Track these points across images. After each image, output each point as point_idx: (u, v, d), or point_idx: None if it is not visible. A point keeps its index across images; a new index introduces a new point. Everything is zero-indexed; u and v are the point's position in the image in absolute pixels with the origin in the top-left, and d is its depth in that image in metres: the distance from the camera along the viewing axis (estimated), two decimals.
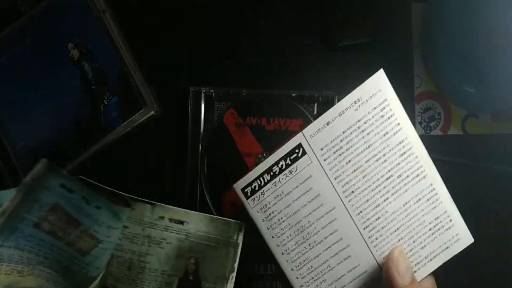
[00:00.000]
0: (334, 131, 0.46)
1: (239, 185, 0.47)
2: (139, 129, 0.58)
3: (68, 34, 0.57)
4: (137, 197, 0.52)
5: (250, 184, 0.47)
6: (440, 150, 0.59)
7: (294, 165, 0.46)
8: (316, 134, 0.47)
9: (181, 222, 0.52)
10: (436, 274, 0.58)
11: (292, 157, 0.46)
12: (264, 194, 0.46)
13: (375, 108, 0.46)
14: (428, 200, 0.47)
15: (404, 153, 0.46)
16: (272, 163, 0.46)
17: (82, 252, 0.51)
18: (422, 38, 0.60)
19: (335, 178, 0.47)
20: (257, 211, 0.47)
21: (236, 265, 0.51)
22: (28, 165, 0.57)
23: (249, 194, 0.47)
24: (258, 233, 0.47)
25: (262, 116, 0.58)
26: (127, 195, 0.52)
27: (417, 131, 0.58)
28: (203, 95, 0.58)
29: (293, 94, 0.58)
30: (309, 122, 0.58)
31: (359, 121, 0.46)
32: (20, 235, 0.47)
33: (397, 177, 0.46)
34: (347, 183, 0.46)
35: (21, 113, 0.57)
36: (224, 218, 0.52)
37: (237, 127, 0.58)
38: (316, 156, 0.46)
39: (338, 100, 0.59)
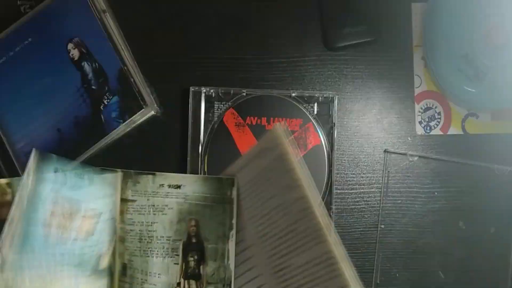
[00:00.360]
0: (241, 181, 0.47)
1: None
2: (139, 129, 0.58)
3: (68, 34, 0.57)
4: (138, 170, 0.55)
5: None
6: (440, 149, 0.59)
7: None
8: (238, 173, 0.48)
9: (179, 187, 0.54)
10: (436, 273, 0.58)
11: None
12: None
13: (275, 160, 0.46)
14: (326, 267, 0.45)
15: (303, 210, 0.46)
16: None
17: (89, 234, 0.53)
18: (422, 38, 0.60)
19: (250, 219, 0.47)
20: None
21: (234, 222, 0.52)
22: None
23: None
24: None
25: (262, 116, 0.58)
26: (130, 170, 0.55)
27: (417, 131, 0.59)
28: (203, 95, 0.58)
29: (293, 94, 0.58)
30: (309, 122, 0.58)
31: (259, 174, 0.46)
32: (33, 239, 0.48)
33: (294, 236, 0.46)
34: (260, 224, 0.47)
35: (21, 113, 0.57)
36: (216, 175, 0.54)
37: (237, 127, 0.58)
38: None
39: (338, 100, 0.59)
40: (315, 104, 0.59)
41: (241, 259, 0.50)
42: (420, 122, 0.60)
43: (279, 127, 0.47)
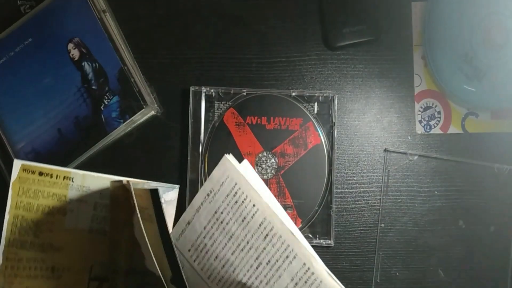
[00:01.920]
0: (196, 230, 0.45)
1: None
2: (139, 129, 0.59)
3: (68, 34, 0.57)
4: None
5: None
6: (440, 148, 0.59)
7: None
8: (181, 237, 0.45)
9: None
10: (436, 272, 0.58)
11: None
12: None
13: (227, 196, 0.45)
14: (306, 282, 0.44)
15: (267, 235, 0.44)
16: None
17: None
18: (422, 38, 0.60)
19: (208, 277, 0.45)
20: None
21: None
22: None
23: None
24: None
25: (262, 115, 0.58)
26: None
27: (417, 130, 0.59)
28: (203, 95, 0.58)
29: (293, 94, 0.58)
30: (309, 121, 0.58)
31: (215, 212, 0.45)
32: None
33: (267, 264, 0.44)
34: (219, 280, 0.45)
35: (21, 113, 0.57)
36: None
37: (238, 127, 0.58)
38: (186, 259, 0.45)
39: (338, 100, 0.59)
40: (315, 104, 0.59)
41: None
42: (420, 121, 0.60)
43: (227, 159, 0.46)
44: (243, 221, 0.46)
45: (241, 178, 0.46)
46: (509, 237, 0.57)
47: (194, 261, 0.46)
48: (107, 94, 0.57)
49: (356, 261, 0.58)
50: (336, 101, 0.58)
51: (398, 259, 0.58)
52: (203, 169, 0.58)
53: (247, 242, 0.45)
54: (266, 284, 0.45)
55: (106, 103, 0.57)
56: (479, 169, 0.58)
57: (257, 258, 0.45)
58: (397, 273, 0.58)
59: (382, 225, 0.58)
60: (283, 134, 0.58)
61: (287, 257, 0.45)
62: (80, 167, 0.57)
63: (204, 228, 0.46)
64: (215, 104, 0.59)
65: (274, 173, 0.58)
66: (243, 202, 0.45)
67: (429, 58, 0.59)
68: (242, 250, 0.46)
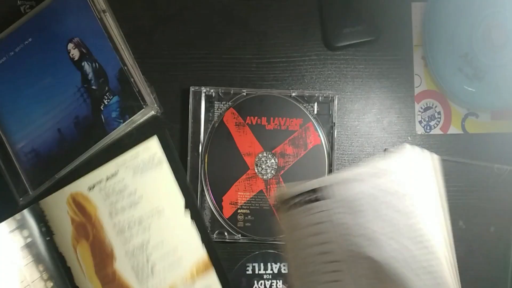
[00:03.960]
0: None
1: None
2: (139, 129, 0.58)
3: (68, 34, 0.57)
4: None
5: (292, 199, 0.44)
6: (440, 149, 0.59)
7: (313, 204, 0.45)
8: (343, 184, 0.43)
9: None
10: None
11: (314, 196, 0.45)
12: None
13: (393, 181, 0.42)
14: None
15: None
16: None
17: None
18: (422, 38, 0.60)
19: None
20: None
21: None
22: (28, 165, 0.57)
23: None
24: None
25: (262, 115, 0.58)
26: None
27: (417, 131, 0.59)
28: (203, 95, 0.58)
29: (293, 94, 0.58)
30: (309, 121, 0.58)
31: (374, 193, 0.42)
32: None
33: None
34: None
35: (21, 113, 0.57)
36: None
37: (237, 127, 0.58)
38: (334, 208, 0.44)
39: (338, 100, 0.59)
40: (315, 104, 0.59)
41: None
42: (420, 122, 0.60)
43: (411, 150, 0.42)
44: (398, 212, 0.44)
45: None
46: (509, 237, 0.57)
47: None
48: (107, 94, 0.57)
49: None
50: (336, 102, 0.58)
51: None
52: (202, 169, 0.58)
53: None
54: None
55: (106, 103, 0.57)
56: (479, 169, 0.58)
57: None
58: None
59: None
60: (283, 134, 0.58)
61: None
62: (80, 167, 0.57)
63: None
64: (215, 104, 0.59)
65: (274, 174, 0.58)
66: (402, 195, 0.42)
67: (429, 59, 0.59)
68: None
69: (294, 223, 0.45)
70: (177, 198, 0.55)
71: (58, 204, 0.55)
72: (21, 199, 0.57)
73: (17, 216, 0.55)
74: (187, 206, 0.55)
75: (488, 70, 0.56)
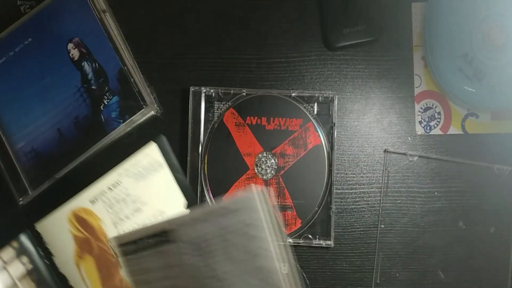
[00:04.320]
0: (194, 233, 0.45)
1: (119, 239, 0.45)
2: (139, 129, 0.58)
3: (68, 34, 0.57)
4: None
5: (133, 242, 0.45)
6: (440, 149, 0.59)
7: (161, 248, 0.46)
8: (187, 226, 0.45)
9: None
10: (436, 273, 0.58)
11: (160, 239, 0.46)
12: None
13: (240, 222, 0.44)
14: None
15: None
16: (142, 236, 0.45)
17: None
18: (422, 38, 0.60)
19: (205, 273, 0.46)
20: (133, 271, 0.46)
21: None
22: (28, 165, 0.57)
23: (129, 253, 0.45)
24: None
25: (262, 116, 0.58)
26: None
27: (417, 131, 0.59)
28: (203, 95, 0.58)
29: (293, 94, 0.58)
30: (309, 121, 0.58)
31: (217, 232, 0.44)
32: None
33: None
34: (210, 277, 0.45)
35: (21, 113, 0.57)
36: None
37: (237, 127, 0.58)
38: (182, 249, 0.45)
39: (338, 100, 0.59)
40: (315, 104, 0.59)
41: None
42: (420, 122, 0.60)
43: (255, 190, 0.43)
44: (245, 253, 0.44)
45: (263, 216, 0.43)
46: (509, 238, 0.57)
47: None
48: (107, 94, 0.57)
49: (356, 262, 0.58)
50: (336, 102, 0.58)
51: (398, 260, 0.58)
52: (202, 169, 0.58)
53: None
54: None
55: (106, 103, 0.57)
56: (479, 170, 0.58)
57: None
58: (397, 274, 0.58)
59: (382, 226, 0.58)
60: (283, 134, 0.58)
61: None
62: (80, 167, 0.57)
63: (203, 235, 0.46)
64: (215, 105, 0.59)
65: (274, 174, 0.58)
66: (250, 238, 0.44)
67: (429, 59, 0.59)
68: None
69: (143, 267, 0.46)
70: (179, 199, 0.55)
71: (57, 224, 0.55)
72: (21, 199, 0.57)
73: (14, 243, 0.54)
74: (188, 206, 0.55)
75: (488, 70, 0.56)
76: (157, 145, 0.56)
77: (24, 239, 0.54)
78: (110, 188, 0.55)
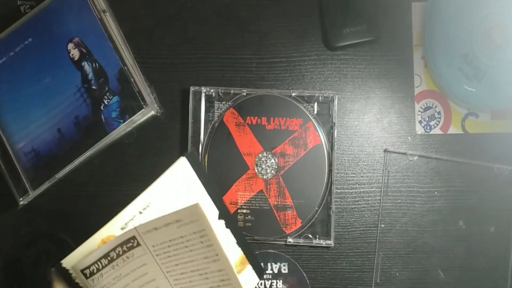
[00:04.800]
0: (162, 237, 0.47)
1: (78, 266, 0.45)
2: (139, 129, 0.59)
3: (68, 34, 0.57)
4: None
5: (88, 267, 0.45)
6: (440, 149, 0.59)
7: (130, 252, 0.47)
8: (149, 233, 0.46)
9: None
10: (436, 272, 0.58)
11: (128, 245, 0.47)
12: (103, 276, 0.46)
13: (195, 233, 0.46)
14: None
15: (224, 280, 0.47)
16: (109, 249, 0.46)
17: None
18: (422, 38, 0.60)
19: (167, 272, 0.48)
20: None
21: None
22: (28, 165, 0.57)
23: (88, 275, 0.45)
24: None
25: (262, 115, 0.58)
26: None
27: (417, 130, 0.59)
28: (203, 95, 0.58)
29: (293, 94, 0.58)
30: (309, 121, 0.58)
31: (175, 239, 0.46)
32: None
33: None
34: (177, 279, 0.48)
35: (21, 113, 0.57)
36: None
37: (237, 127, 0.58)
38: (149, 251, 0.47)
39: (338, 100, 0.59)
40: (315, 104, 0.59)
41: None
42: (420, 122, 0.60)
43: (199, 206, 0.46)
44: (205, 258, 0.47)
45: (210, 225, 0.46)
46: (509, 237, 0.57)
47: (157, 255, 0.48)
48: (107, 94, 0.57)
49: (356, 261, 0.58)
50: (336, 102, 0.58)
51: (398, 259, 0.58)
52: None
53: (206, 273, 0.48)
54: None
55: (106, 103, 0.57)
56: (479, 169, 0.58)
57: None
58: (397, 274, 0.58)
59: (382, 225, 0.58)
60: (283, 134, 0.58)
61: None
62: (80, 167, 0.57)
63: (170, 240, 0.47)
64: (215, 104, 0.59)
65: (274, 173, 0.58)
66: (208, 246, 0.47)
67: (429, 58, 0.59)
68: (200, 275, 0.48)
69: (116, 275, 0.47)
70: (212, 211, 0.53)
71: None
72: (21, 199, 0.57)
73: None
74: (220, 216, 0.53)
75: (488, 70, 0.56)
76: (188, 159, 0.52)
77: (55, 277, 0.47)
78: (140, 212, 0.51)
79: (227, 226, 0.52)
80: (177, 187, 0.52)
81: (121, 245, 0.47)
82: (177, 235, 0.47)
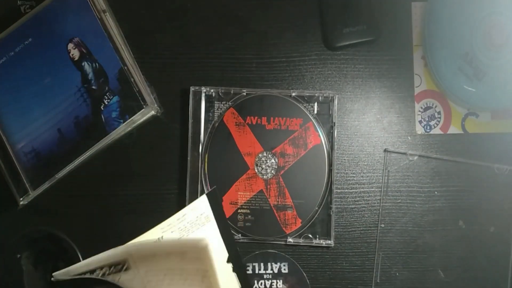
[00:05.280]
0: (160, 265, 0.46)
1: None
2: (139, 129, 0.59)
3: (68, 34, 0.57)
4: None
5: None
6: (440, 149, 0.59)
7: (118, 275, 0.46)
8: (145, 258, 0.45)
9: None
10: (436, 272, 0.58)
11: (117, 267, 0.46)
12: None
13: (197, 270, 0.46)
14: None
15: None
16: (95, 266, 0.45)
17: None
18: (422, 38, 0.60)
19: None
20: None
21: None
22: (28, 165, 0.57)
23: None
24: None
25: (262, 115, 0.58)
26: None
27: (417, 130, 0.59)
28: (203, 94, 0.58)
29: (293, 94, 0.58)
30: (309, 121, 0.58)
31: (182, 270, 0.46)
32: None
33: None
34: None
35: (21, 113, 0.57)
36: None
37: (237, 127, 0.58)
38: (140, 276, 0.46)
39: (338, 100, 0.59)
40: (315, 104, 0.59)
41: None
42: (420, 122, 0.60)
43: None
44: None
45: (215, 268, 0.47)
46: (509, 237, 0.57)
47: (148, 282, 0.47)
48: (107, 94, 0.57)
49: (356, 261, 0.58)
50: (336, 101, 0.58)
51: (398, 259, 0.58)
52: (203, 169, 0.58)
53: None
54: None
55: (106, 103, 0.57)
56: (479, 169, 0.58)
57: None
58: (397, 274, 0.58)
59: (382, 225, 0.58)
60: (283, 134, 0.58)
61: None
62: (80, 167, 0.57)
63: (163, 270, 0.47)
64: (215, 104, 0.59)
65: (274, 173, 0.58)
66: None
67: (429, 58, 0.59)
68: None
69: None
70: (221, 252, 0.53)
71: None
72: (21, 199, 0.57)
73: None
74: (229, 259, 0.53)
75: (488, 70, 0.56)
76: (208, 198, 0.53)
77: None
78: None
79: (234, 270, 0.52)
80: (192, 224, 0.51)
81: (109, 265, 0.46)
82: (177, 267, 0.46)
